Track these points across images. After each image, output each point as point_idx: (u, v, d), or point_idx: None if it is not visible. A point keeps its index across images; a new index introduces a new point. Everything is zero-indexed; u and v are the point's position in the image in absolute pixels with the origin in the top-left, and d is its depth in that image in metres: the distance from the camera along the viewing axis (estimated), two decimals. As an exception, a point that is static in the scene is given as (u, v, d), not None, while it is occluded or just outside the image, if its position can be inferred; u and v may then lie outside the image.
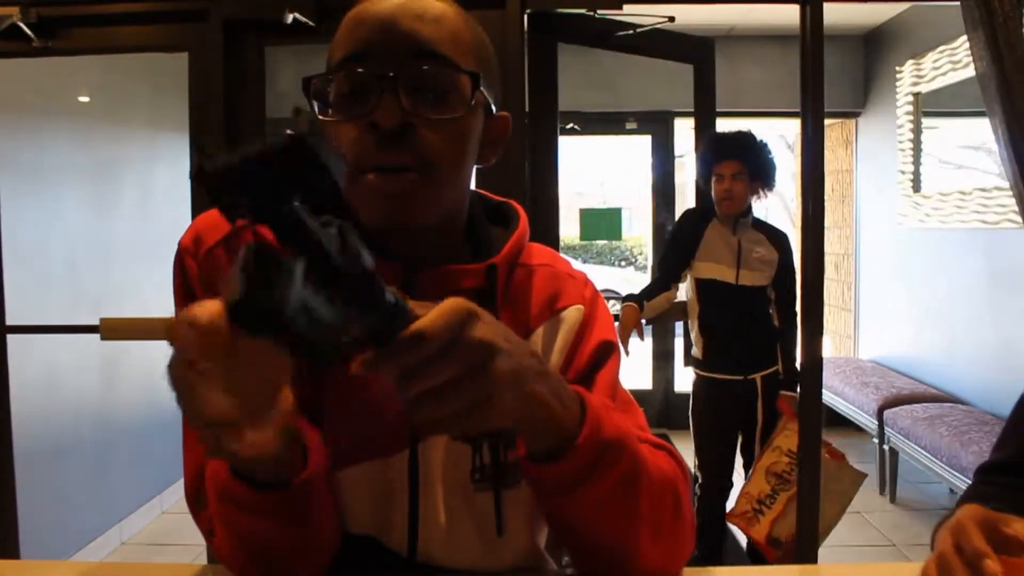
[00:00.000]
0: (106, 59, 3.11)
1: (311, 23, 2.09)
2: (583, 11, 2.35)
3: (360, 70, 0.68)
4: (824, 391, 2.64)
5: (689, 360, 2.96)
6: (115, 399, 3.38)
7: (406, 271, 0.72)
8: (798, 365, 2.37)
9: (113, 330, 2.32)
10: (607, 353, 0.81)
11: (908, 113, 4.43)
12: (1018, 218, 2.77)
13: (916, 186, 4.39)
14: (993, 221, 3.61)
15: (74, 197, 3.14)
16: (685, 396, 2.99)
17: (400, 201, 0.68)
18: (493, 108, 0.77)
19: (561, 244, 2.63)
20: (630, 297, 2.76)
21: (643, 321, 2.77)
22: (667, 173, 5.21)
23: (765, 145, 2.80)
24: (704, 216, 2.85)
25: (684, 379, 3.11)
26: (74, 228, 3.12)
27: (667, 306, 2.84)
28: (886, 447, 3.89)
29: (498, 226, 0.83)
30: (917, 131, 4.39)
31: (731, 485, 2.79)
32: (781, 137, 9.90)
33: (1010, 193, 2.43)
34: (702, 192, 2.91)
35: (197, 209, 2.21)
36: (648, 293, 2.81)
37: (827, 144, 4.75)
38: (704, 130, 2.97)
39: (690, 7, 2.44)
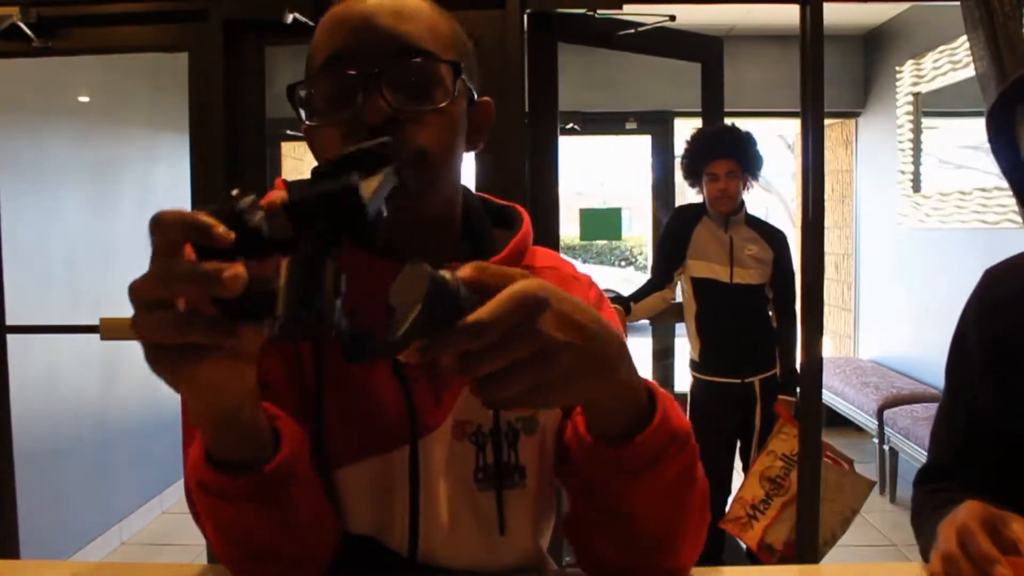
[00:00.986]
0: (106, 59, 3.11)
1: (311, 23, 2.09)
2: (583, 11, 2.35)
3: (342, 71, 0.69)
4: (824, 391, 2.63)
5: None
6: (115, 399, 3.38)
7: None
8: (797, 367, 2.35)
9: (113, 330, 2.32)
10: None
11: (908, 113, 4.43)
12: (1018, 218, 2.77)
13: (916, 186, 4.39)
14: (993, 221, 3.61)
15: (74, 197, 3.14)
16: (685, 396, 2.98)
17: (396, 195, 0.69)
18: (475, 95, 0.78)
19: (561, 244, 2.62)
20: (618, 299, 2.73)
21: (631, 323, 2.75)
22: (667, 173, 5.20)
23: (753, 138, 2.78)
24: (694, 214, 2.82)
25: (684, 379, 3.10)
26: (74, 228, 3.12)
27: (663, 306, 2.82)
28: (886, 447, 3.89)
29: (502, 228, 0.83)
30: (917, 131, 4.39)
31: (729, 491, 2.77)
32: (781, 137, 9.89)
33: (1010, 193, 2.43)
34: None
35: (197, 209, 2.21)
36: (637, 295, 2.78)
37: (827, 144, 4.75)
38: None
39: (690, 7, 2.44)
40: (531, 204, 2.29)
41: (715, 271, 2.75)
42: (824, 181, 2.20)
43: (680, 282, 2.84)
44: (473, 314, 0.46)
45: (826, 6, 2.10)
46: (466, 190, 0.83)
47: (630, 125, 5.20)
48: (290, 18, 2.08)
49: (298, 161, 5.20)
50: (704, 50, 2.85)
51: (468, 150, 0.79)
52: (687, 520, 0.71)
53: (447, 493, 0.76)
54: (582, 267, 0.99)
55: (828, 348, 5.56)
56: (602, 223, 3.63)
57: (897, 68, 4.53)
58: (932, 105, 4.33)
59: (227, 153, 2.19)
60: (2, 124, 2.75)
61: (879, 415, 3.96)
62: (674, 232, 2.84)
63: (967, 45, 2.26)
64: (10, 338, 2.32)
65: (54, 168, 3.01)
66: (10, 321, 2.33)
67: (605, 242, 12.69)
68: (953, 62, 3.90)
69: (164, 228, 0.46)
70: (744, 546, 2.70)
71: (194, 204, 2.22)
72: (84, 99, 3.28)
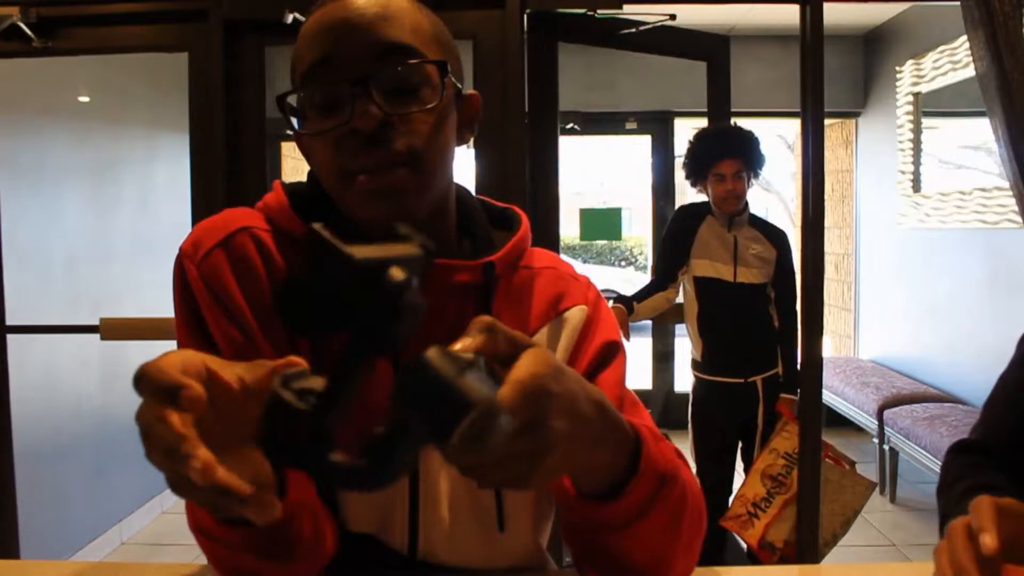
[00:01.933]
0: (106, 59, 3.11)
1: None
2: (583, 11, 2.35)
3: (330, 78, 0.70)
4: (824, 391, 2.63)
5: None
6: (115, 399, 3.38)
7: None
8: (798, 367, 2.35)
9: (113, 330, 2.32)
10: (612, 354, 0.82)
11: (908, 113, 4.43)
12: (1018, 218, 2.77)
13: (916, 186, 4.39)
14: (993, 221, 3.61)
15: (74, 197, 3.14)
16: (685, 396, 2.98)
17: (394, 197, 0.70)
18: (461, 90, 0.78)
19: (561, 244, 2.62)
20: (620, 299, 2.73)
21: (634, 322, 2.75)
22: (667, 173, 5.21)
23: (757, 137, 2.78)
24: (698, 213, 2.82)
25: (684, 379, 3.10)
26: (74, 228, 3.12)
27: (666, 306, 2.82)
28: (886, 447, 3.89)
29: (501, 229, 0.84)
30: (917, 131, 4.39)
31: (731, 490, 2.77)
32: (781, 137, 9.89)
33: (1010, 193, 2.43)
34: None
35: (197, 209, 2.21)
36: (640, 295, 2.78)
37: (827, 144, 4.75)
38: None
39: (690, 7, 2.44)
40: (531, 204, 2.29)
41: (719, 270, 2.75)
42: (824, 181, 2.20)
43: (683, 282, 2.84)
44: (498, 414, 0.44)
45: (826, 6, 2.10)
46: (460, 187, 0.83)
47: (630, 125, 5.20)
48: (290, 18, 2.08)
49: (298, 161, 5.20)
50: (710, 48, 2.84)
51: (458, 145, 0.79)
52: (677, 548, 0.70)
53: (447, 491, 0.76)
54: (582, 267, 0.99)
55: (828, 348, 5.56)
56: (602, 223, 3.62)
57: (897, 68, 4.53)
58: (932, 105, 4.33)
59: (227, 153, 2.19)
60: (2, 124, 2.75)
61: (879, 415, 3.96)
62: (678, 231, 2.84)
63: (967, 45, 2.26)
64: (10, 338, 2.32)
65: (54, 168, 3.01)
66: (10, 321, 2.33)
67: (605, 242, 12.69)
68: (953, 62, 3.90)
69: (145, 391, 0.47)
70: (745, 546, 2.70)
71: (194, 204, 2.22)
72: (84, 99, 3.28)
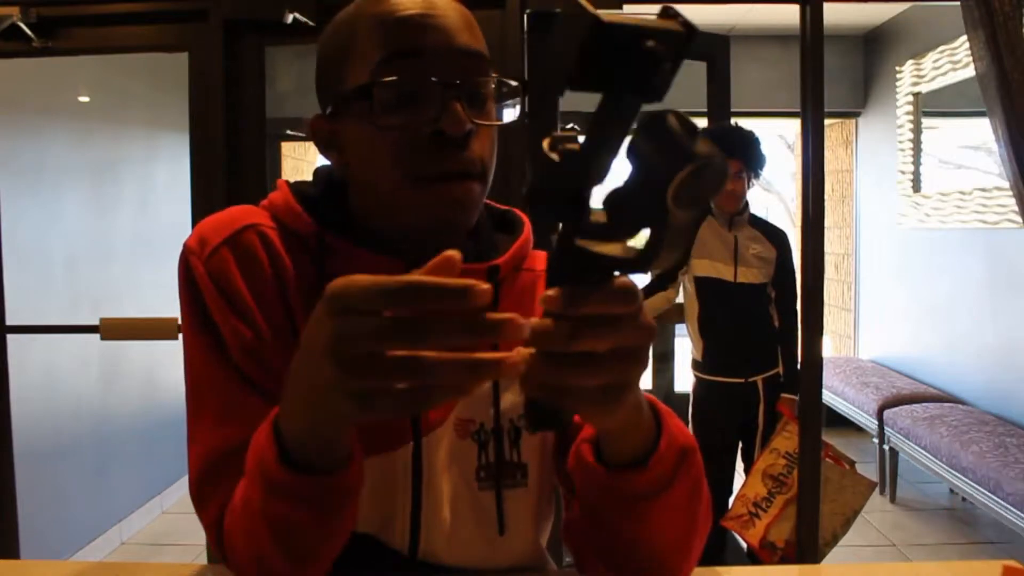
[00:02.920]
0: (106, 59, 3.11)
1: (311, 23, 2.09)
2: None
3: (419, 72, 0.68)
4: (824, 391, 2.63)
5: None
6: (115, 399, 3.38)
7: (409, 269, 0.72)
8: (799, 366, 2.35)
9: (113, 330, 2.32)
10: None
11: (908, 113, 4.43)
12: (1018, 218, 2.77)
13: (916, 186, 4.39)
14: (993, 221, 3.61)
15: (74, 197, 3.14)
16: (685, 396, 2.98)
17: (463, 207, 0.70)
18: None
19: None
20: None
21: None
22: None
23: (757, 137, 2.79)
24: None
25: (684, 379, 3.10)
26: (74, 228, 3.12)
27: (666, 306, 2.82)
28: (886, 447, 3.89)
29: (502, 232, 0.83)
30: (917, 131, 4.39)
31: (732, 490, 2.77)
32: (781, 137, 9.89)
33: (1010, 193, 2.43)
34: None
35: (197, 209, 2.21)
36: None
37: (827, 144, 4.75)
38: None
39: (690, 7, 2.44)
40: (531, 204, 2.29)
41: (719, 270, 2.75)
42: (824, 181, 2.20)
43: (683, 282, 2.84)
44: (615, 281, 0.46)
45: (826, 6, 2.10)
46: None
47: (630, 125, 5.20)
48: (290, 18, 2.08)
49: (298, 161, 5.20)
50: (710, 48, 2.83)
51: None
52: (696, 528, 0.70)
53: (449, 491, 0.76)
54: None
55: (828, 348, 5.56)
56: (602, 223, 3.61)
57: (897, 68, 4.53)
58: (932, 105, 4.33)
59: (227, 153, 2.19)
60: (2, 124, 2.75)
61: (879, 415, 3.96)
62: None
63: (967, 45, 2.26)
64: (10, 338, 2.32)
65: (54, 168, 3.02)
66: (10, 321, 2.33)
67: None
68: (953, 62, 3.90)
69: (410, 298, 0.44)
70: (745, 546, 2.70)
71: (194, 204, 2.22)
72: (84, 99, 3.28)
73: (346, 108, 0.71)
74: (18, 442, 2.33)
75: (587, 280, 0.45)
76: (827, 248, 4.42)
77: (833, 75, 4.70)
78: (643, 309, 0.48)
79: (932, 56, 4.11)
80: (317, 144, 0.76)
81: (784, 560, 2.48)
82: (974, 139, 3.96)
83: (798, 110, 2.18)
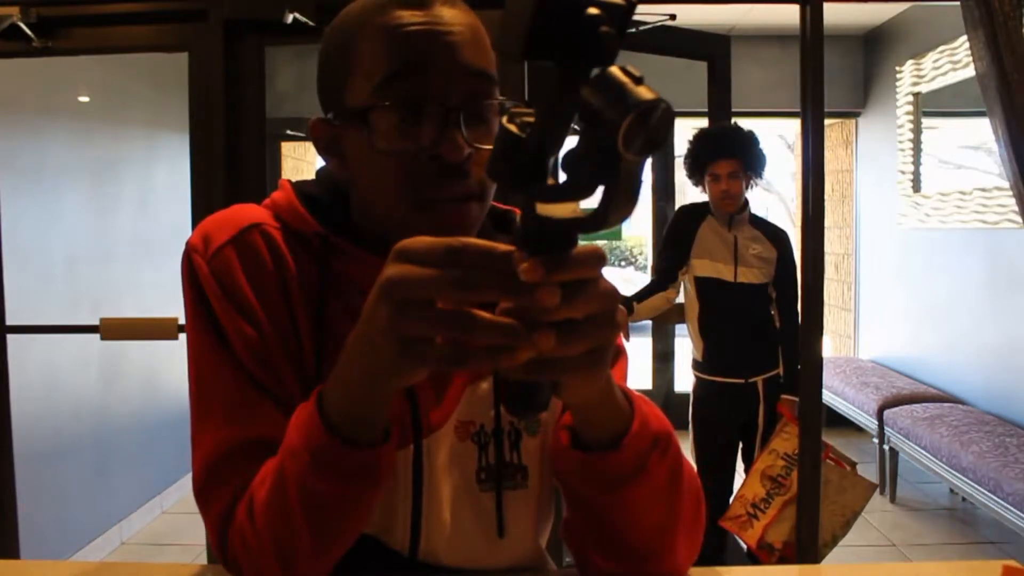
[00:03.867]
0: (106, 59, 3.11)
1: (311, 23, 2.09)
2: None
3: (422, 90, 0.67)
4: (824, 391, 2.62)
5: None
6: (115, 399, 3.38)
7: None
8: (799, 367, 2.34)
9: (113, 330, 2.32)
10: (615, 356, 0.81)
11: (908, 113, 4.43)
12: (1018, 218, 2.77)
13: (916, 186, 4.39)
14: (993, 221, 3.61)
15: (74, 197, 3.14)
16: (685, 396, 2.97)
17: (463, 231, 0.69)
18: None
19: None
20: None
21: (633, 323, 2.74)
22: (667, 172, 5.21)
23: (755, 137, 2.77)
24: (698, 213, 2.82)
25: (684, 379, 3.10)
26: (74, 228, 3.12)
27: (666, 307, 2.81)
28: (886, 447, 3.89)
29: (503, 233, 0.83)
30: (917, 131, 4.40)
31: (732, 491, 2.77)
32: (781, 137, 9.89)
33: (1010, 193, 2.43)
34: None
35: (197, 209, 2.21)
36: (640, 295, 2.77)
37: (827, 144, 4.75)
38: None
39: (690, 7, 2.44)
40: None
41: (719, 270, 2.74)
42: (824, 181, 2.20)
43: (684, 282, 2.84)
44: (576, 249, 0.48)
45: (826, 6, 2.10)
46: None
47: (630, 125, 5.19)
48: (290, 18, 2.08)
49: (298, 161, 5.20)
50: (711, 48, 2.84)
51: None
52: (678, 526, 0.71)
53: (449, 493, 0.76)
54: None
55: (828, 348, 5.56)
56: (602, 223, 3.62)
57: (897, 68, 4.53)
58: (932, 105, 4.33)
59: (227, 153, 2.19)
60: (2, 124, 2.75)
61: (879, 415, 3.96)
62: (678, 231, 2.83)
63: (967, 45, 2.26)
64: (10, 338, 2.32)
65: (54, 168, 3.02)
66: (10, 321, 2.33)
67: (605, 242, 12.71)
68: (953, 62, 3.90)
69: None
70: (744, 546, 2.70)
71: (194, 204, 2.22)
72: (84, 99, 3.28)
73: (347, 120, 0.70)
74: (18, 442, 2.33)
75: (552, 245, 0.47)
76: (827, 248, 4.42)
77: (833, 75, 4.70)
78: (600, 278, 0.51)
79: (932, 56, 4.11)
80: (317, 147, 0.76)
81: (782, 561, 2.48)
82: (974, 139, 3.96)
83: (798, 110, 2.18)
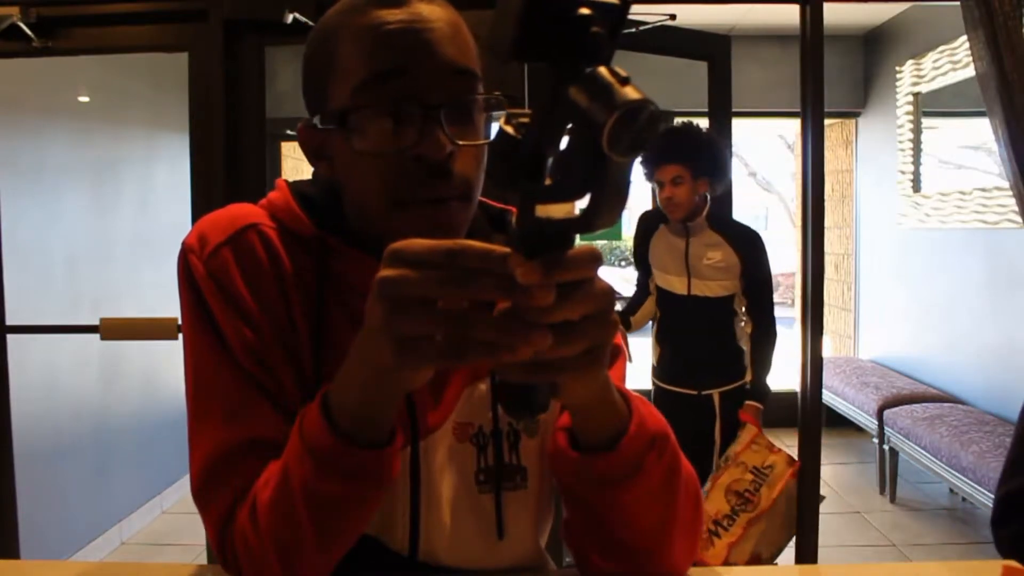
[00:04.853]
0: (106, 59, 3.11)
1: (311, 23, 2.09)
2: (583, 11, 2.35)
3: (401, 93, 0.66)
4: (824, 391, 2.61)
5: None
6: (115, 399, 3.38)
7: None
8: (803, 366, 2.24)
9: (113, 330, 2.32)
10: (613, 356, 0.81)
11: (908, 113, 4.43)
12: (1018, 218, 2.77)
13: (916, 186, 4.39)
14: (993, 221, 3.61)
15: (74, 197, 3.15)
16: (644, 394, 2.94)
17: (446, 232, 0.68)
18: None
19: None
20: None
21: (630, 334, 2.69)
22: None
23: (710, 140, 2.56)
24: (653, 221, 2.68)
25: (643, 379, 3.04)
26: (74, 228, 3.12)
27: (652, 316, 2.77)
28: (886, 447, 3.89)
29: (500, 233, 0.83)
30: (917, 131, 4.40)
31: None
32: (781, 137, 9.90)
33: (1010, 193, 2.43)
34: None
35: (197, 209, 2.21)
36: (631, 308, 2.73)
37: (827, 144, 4.75)
38: (719, 130, 2.79)
39: (690, 7, 2.44)
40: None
41: (671, 283, 2.60)
42: (824, 181, 2.20)
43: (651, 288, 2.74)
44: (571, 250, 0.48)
45: (826, 6, 2.10)
46: None
47: (630, 125, 5.19)
48: (290, 18, 2.08)
49: (298, 161, 5.20)
50: (711, 48, 2.80)
51: None
52: (675, 525, 0.71)
53: (448, 494, 0.76)
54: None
55: (828, 348, 5.56)
56: (602, 223, 3.62)
57: (897, 68, 4.53)
58: (932, 105, 4.33)
59: (227, 153, 2.19)
60: (2, 124, 2.75)
61: (879, 415, 3.96)
62: (637, 241, 2.74)
63: (967, 45, 2.26)
64: (10, 338, 2.32)
65: (54, 168, 3.02)
66: (10, 321, 2.33)
67: (605, 242, 12.71)
68: (953, 62, 3.90)
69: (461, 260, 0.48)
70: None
71: (194, 204, 2.22)
72: (84, 99, 3.28)
73: (330, 122, 0.70)
74: (18, 442, 2.34)
75: (550, 245, 0.47)
76: (827, 248, 4.42)
77: (833, 75, 4.70)
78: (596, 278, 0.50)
79: (932, 56, 4.11)
80: (305, 153, 0.75)
81: None
82: (974, 139, 3.96)
83: (798, 110, 2.18)
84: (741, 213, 6.39)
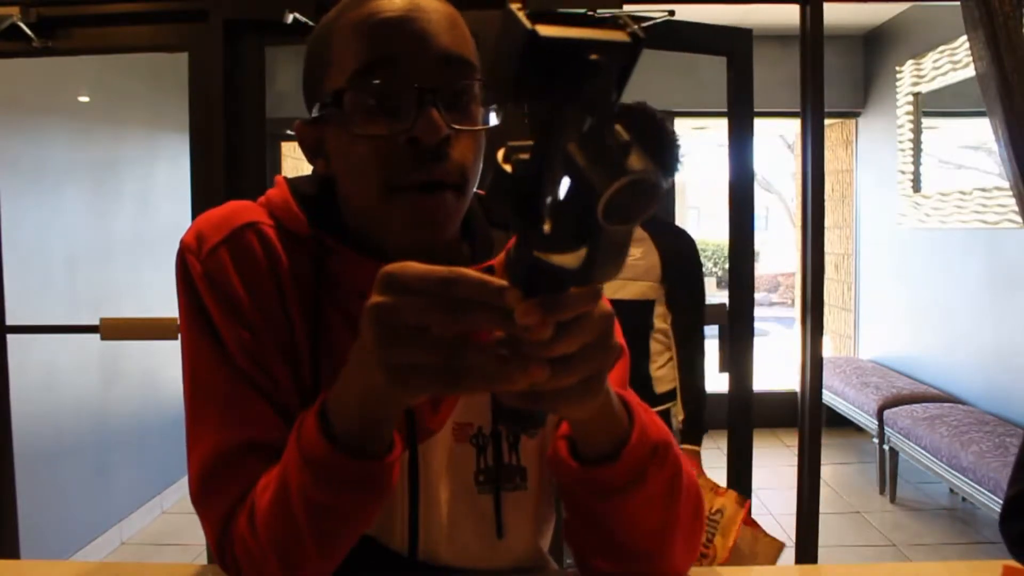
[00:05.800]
0: (106, 59, 3.11)
1: (311, 23, 2.09)
2: (583, 11, 2.35)
3: (394, 80, 0.66)
4: (824, 391, 2.61)
5: None
6: (115, 399, 3.38)
7: None
8: (803, 373, 2.22)
9: (113, 330, 2.32)
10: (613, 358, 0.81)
11: (908, 113, 4.43)
12: (1018, 218, 2.77)
13: (916, 186, 4.39)
14: (993, 221, 3.61)
15: (74, 197, 3.14)
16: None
17: (439, 221, 0.68)
18: None
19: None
20: None
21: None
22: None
23: (659, 125, 2.22)
24: None
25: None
26: (74, 228, 3.12)
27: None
28: (886, 447, 3.89)
29: (499, 230, 0.83)
30: (917, 131, 4.39)
31: None
32: (781, 137, 9.89)
33: (1010, 193, 2.43)
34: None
35: (197, 209, 2.21)
36: None
37: (827, 144, 4.75)
38: (741, 132, 2.65)
39: (690, 7, 2.43)
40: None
41: None
42: (824, 181, 2.20)
43: None
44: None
45: (826, 6, 2.10)
46: None
47: (630, 125, 5.19)
48: (290, 18, 2.08)
49: (298, 161, 5.20)
50: (732, 42, 2.66)
51: None
52: (676, 530, 0.71)
53: (447, 495, 0.76)
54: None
55: (828, 348, 5.56)
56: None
57: (897, 68, 4.53)
58: (932, 105, 4.33)
59: (227, 153, 2.19)
60: (2, 124, 2.75)
61: (879, 415, 3.96)
62: None
63: (967, 45, 2.27)
64: (10, 338, 2.32)
65: (54, 168, 3.02)
66: (10, 321, 2.33)
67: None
68: (953, 62, 3.90)
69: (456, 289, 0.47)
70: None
71: (194, 204, 2.22)
72: (84, 99, 3.28)
73: (327, 115, 0.70)
74: (18, 442, 2.34)
75: (543, 287, 0.45)
76: (827, 248, 4.42)
77: (833, 75, 4.69)
78: (597, 306, 0.49)
79: (932, 56, 4.11)
80: (304, 151, 0.75)
81: None
82: (974, 139, 3.96)
83: (798, 110, 2.18)
84: (741, 213, 6.34)
